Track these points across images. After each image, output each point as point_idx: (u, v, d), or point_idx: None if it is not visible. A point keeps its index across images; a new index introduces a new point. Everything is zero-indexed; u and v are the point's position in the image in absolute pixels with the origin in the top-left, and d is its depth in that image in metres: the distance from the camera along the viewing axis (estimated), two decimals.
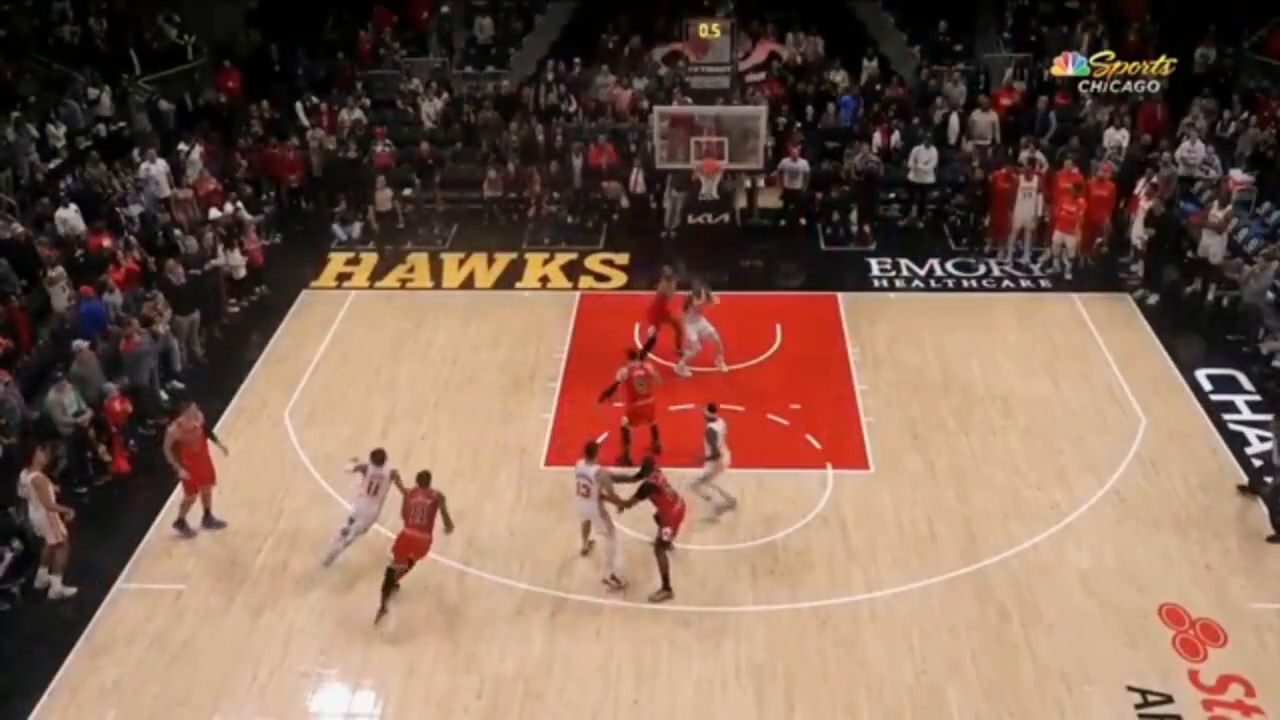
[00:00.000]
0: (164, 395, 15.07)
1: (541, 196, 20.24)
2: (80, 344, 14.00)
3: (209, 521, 12.77)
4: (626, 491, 11.39)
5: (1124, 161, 19.33)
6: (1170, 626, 11.07)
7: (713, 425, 12.33)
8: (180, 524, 12.63)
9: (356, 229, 19.88)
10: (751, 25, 23.10)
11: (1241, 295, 16.07)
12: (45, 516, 11.50)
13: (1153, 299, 17.27)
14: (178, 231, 17.57)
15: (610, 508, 11.51)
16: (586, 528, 12.09)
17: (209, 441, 12.70)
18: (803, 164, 19.64)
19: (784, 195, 20.11)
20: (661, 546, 11.42)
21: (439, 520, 11.34)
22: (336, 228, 19.93)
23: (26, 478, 11.47)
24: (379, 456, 11.84)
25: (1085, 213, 17.86)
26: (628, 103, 21.95)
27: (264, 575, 12.03)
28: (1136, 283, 17.67)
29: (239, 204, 18.57)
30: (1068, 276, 18.03)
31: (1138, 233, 17.66)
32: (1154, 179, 18.06)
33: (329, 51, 23.61)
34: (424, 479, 11.41)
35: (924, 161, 19.75)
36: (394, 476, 11.74)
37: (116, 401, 13.64)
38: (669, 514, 11.35)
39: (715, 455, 12.39)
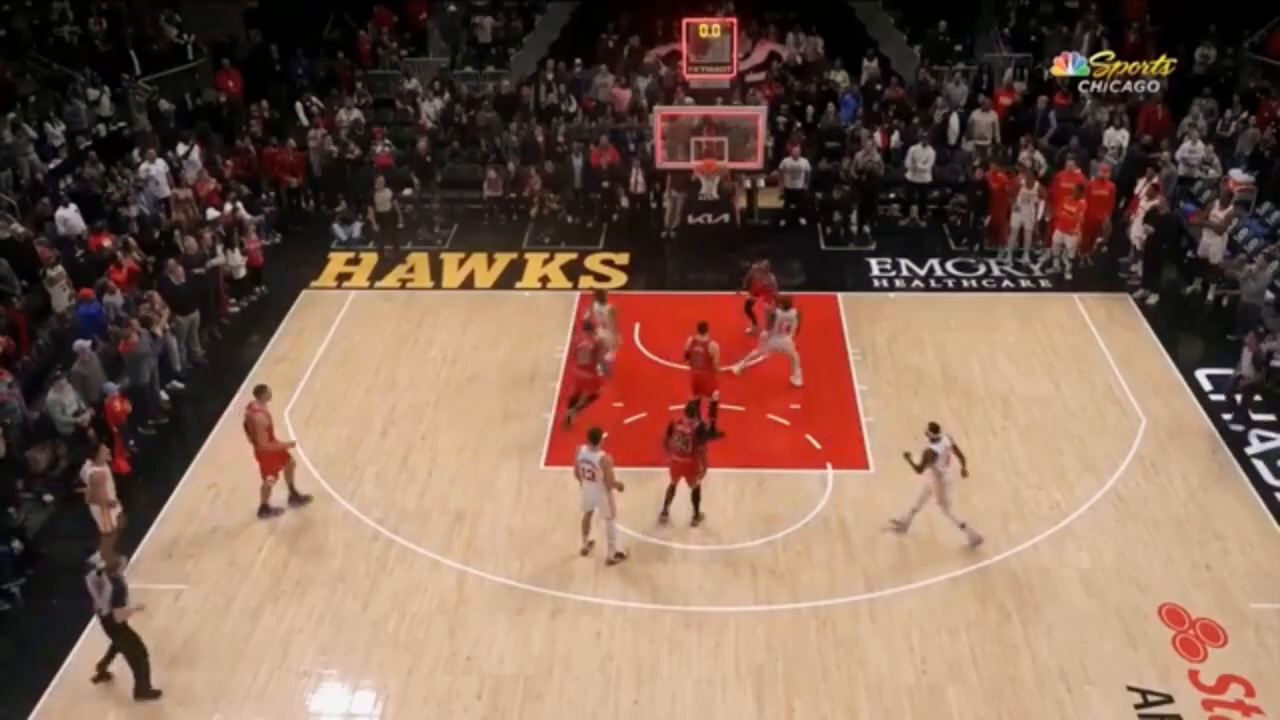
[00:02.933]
0: (164, 395, 15.07)
1: (541, 196, 20.24)
2: (83, 344, 14.01)
3: (266, 511, 12.93)
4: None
5: (1124, 161, 19.34)
6: (1170, 626, 11.08)
7: (933, 446, 11.80)
8: (266, 509, 12.89)
9: (356, 229, 19.89)
10: (750, 25, 23.11)
11: (1240, 294, 16.07)
12: (97, 509, 11.71)
13: (1152, 299, 17.27)
14: (177, 232, 17.56)
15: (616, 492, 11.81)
16: (586, 526, 12.11)
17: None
18: (804, 163, 19.65)
19: (785, 195, 20.11)
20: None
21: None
22: (336, 227, 19.94)
23: (89, 470, 11.65)
24: (602, 296, 15.22)
25: (1085, 213, 17.84)
26: (628, 103, 21.96)
27: (264, 575, 12.03)
28: (1136, 283, 17.66)
29: (239, 204, 18.57)
30: (1068, 276, 18.02)
31: (1137, 233, 17.66)
32: (1155, 179, 18.06)
33: (329, 51, 23.63)
34: (589, 326, 14.62)
35: (922, 162, 19.75)
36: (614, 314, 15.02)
37: (117, 401, 13.64)
38: (668, 460, 12.25)
39: (934, 474, 11.89)
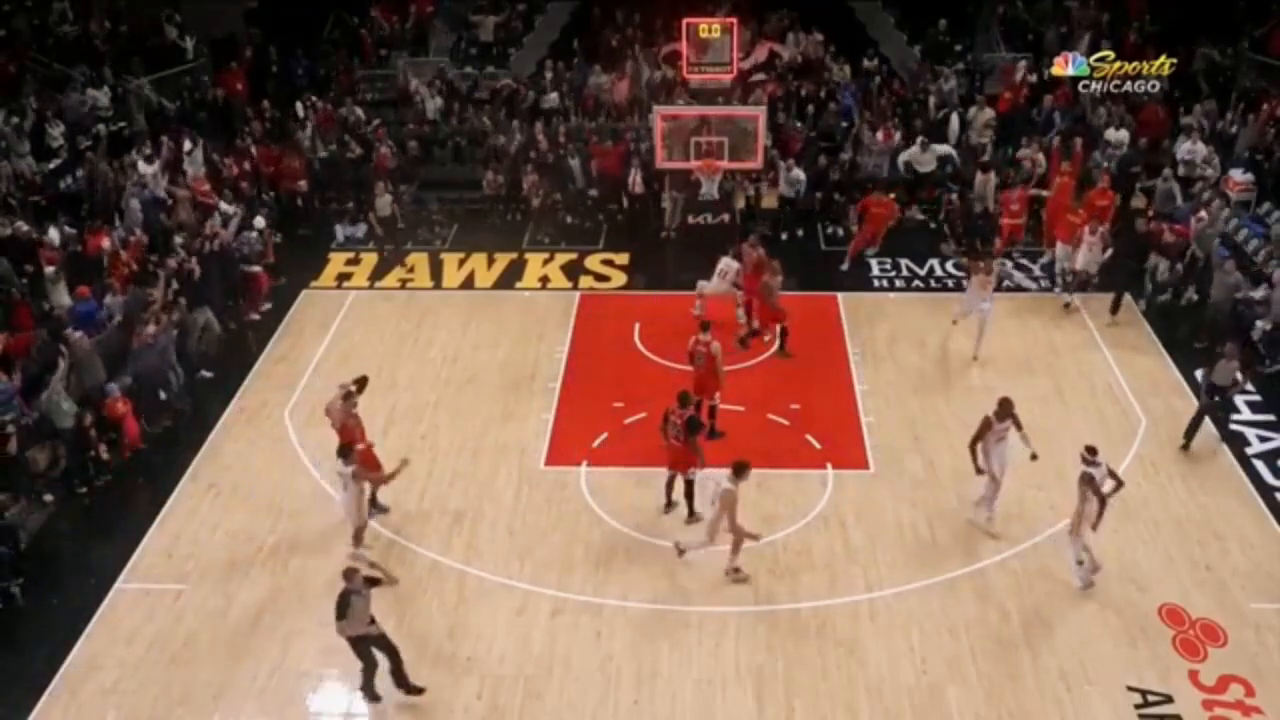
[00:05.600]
0: (162, 395, 15.02)
1: (543, 197, 20.22)
2: (76, 334, 14.03)
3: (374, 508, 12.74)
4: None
5: (1122, 163, 19.27)
6: (1170, 626, 11.09)
7: (1090, 470, 11.15)
8: (372, 502, 12.65)
9: (360, 230, 19.88)
10: (750, 25, 23.09)
11: (1210, 297, 15.88)
12: (353, 500, 11.67)
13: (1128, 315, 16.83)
14: (183, 233, 17.55)
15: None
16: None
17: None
18: (798, 173, 19.45)
19: (780, 200, 20.00)
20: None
21: None
22: (339, 228, 19.92)
23: (346, 468, 11.54)
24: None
25: (1085, 224, 17.12)
26: (625, 97, 21.91)
27: (264, 575, 12.04)
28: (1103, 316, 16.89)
29: (247, 201, 18.64)
30: (1068, 279, 17.72)
31: (1091, 257, 16.84)
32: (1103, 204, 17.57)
33: (329, 51, 23.60)
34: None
35: (923, 165, 19.60)
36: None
37: (119, 403, 13.63)
38: (666, 446, 12.38)
39: (1085, 501, 11.21)
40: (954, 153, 20.27)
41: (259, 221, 18.29)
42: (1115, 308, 16.85)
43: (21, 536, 12.30)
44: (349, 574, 9.93)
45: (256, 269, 17.63)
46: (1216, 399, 13.88)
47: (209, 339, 16.23)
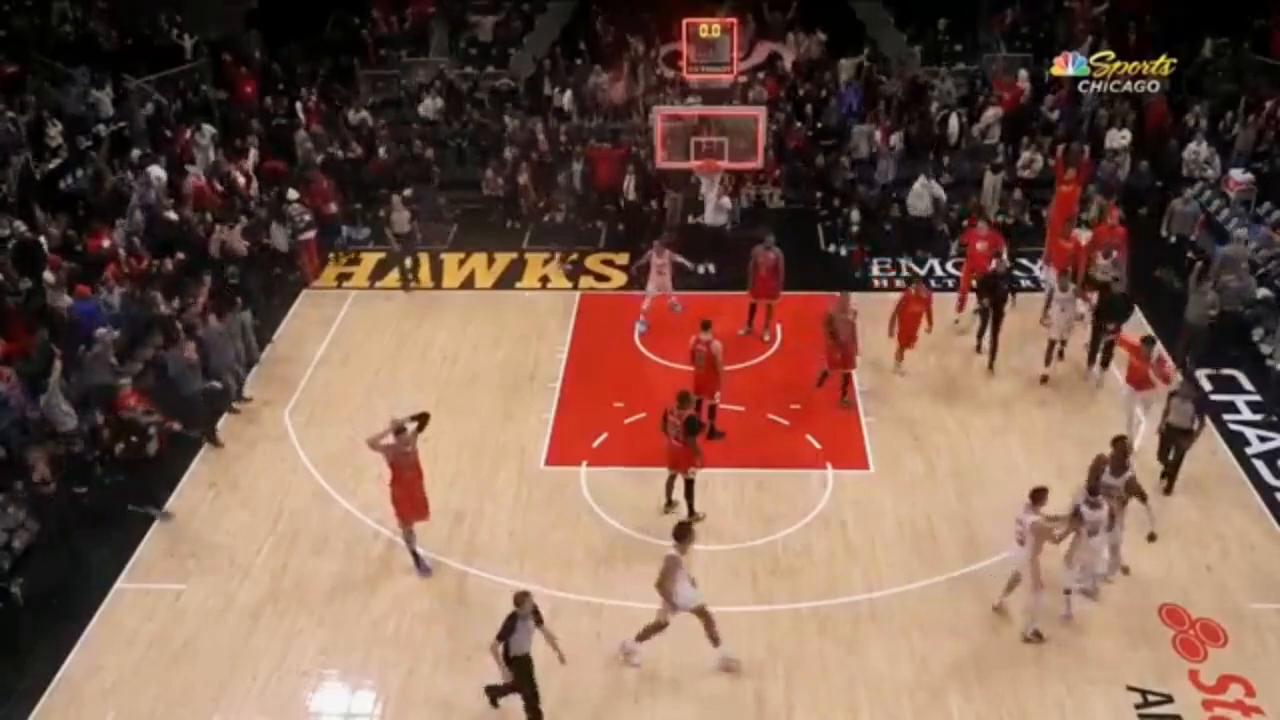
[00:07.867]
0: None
1: (545, 194, 20.20)
2: (103, 331, 14.03)
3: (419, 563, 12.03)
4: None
5: (1128, 187, 19.24)
6: (1170, 626, 11.10)
7: (1085, 509, 10.87)
8: (416, 560, 11.99)
9: (363, 231, 19.84)
10: (750, 25, 23.09)
11: (1185, 314, 15.21)
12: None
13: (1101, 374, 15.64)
14: (209, 227, 17.57)
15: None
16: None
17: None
18: (725, 201, 18.83)
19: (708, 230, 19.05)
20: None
21: None
22: (343, 227, 19.90)
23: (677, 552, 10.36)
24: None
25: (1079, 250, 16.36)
26: (622, 97, 21.87)
27: (264, 575, 12.04)
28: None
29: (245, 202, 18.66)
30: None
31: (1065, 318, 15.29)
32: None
33: (329, 51, 23.60)
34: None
35: (925, 200, 18.95)
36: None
37: (132, 398, 13.63)
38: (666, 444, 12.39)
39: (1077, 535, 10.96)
40: (943, 196, 19.36)
41: (292, 193, 18.39)
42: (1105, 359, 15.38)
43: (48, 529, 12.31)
44: (519, 599, 9.67)
45: (310, 235, 18.12)
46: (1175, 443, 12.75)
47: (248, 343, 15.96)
